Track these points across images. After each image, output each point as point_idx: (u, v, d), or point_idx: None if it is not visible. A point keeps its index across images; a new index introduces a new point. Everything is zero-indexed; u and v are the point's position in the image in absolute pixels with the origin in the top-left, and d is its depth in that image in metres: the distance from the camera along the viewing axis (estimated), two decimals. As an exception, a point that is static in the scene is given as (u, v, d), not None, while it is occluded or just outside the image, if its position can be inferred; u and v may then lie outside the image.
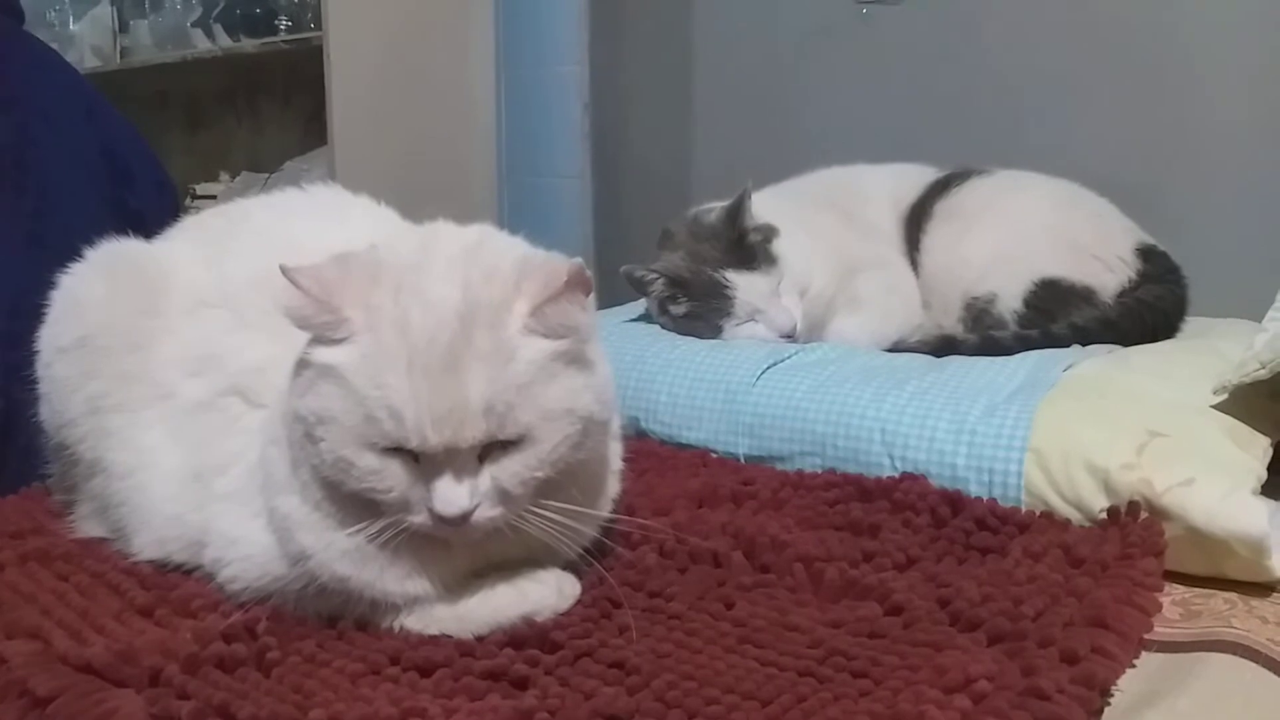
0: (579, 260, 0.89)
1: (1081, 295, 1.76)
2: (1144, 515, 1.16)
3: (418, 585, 0.94)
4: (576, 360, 0.90)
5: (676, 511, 1.24)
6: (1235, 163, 2.05)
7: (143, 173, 2.04)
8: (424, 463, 0.86)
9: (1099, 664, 0.87)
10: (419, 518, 0.88)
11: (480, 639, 0.95)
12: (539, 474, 0.88)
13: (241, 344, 1.07)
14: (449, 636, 0.95)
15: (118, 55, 3.56)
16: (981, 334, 1.74)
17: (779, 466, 1.44)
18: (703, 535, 1.15)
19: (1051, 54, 2.22)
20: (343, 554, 0.92)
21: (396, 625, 0.96)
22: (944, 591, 1.01)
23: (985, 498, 1.26)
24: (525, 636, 0.94)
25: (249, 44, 3.12)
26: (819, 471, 1.37)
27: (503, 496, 0.88)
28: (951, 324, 1.81)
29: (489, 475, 0.87)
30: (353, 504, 0.90)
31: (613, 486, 1.06)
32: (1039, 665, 0.85)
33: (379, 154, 2.81)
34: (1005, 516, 1.19)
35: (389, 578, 0.93)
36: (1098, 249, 1.80)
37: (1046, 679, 0.82)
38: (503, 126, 3.10)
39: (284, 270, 0.88)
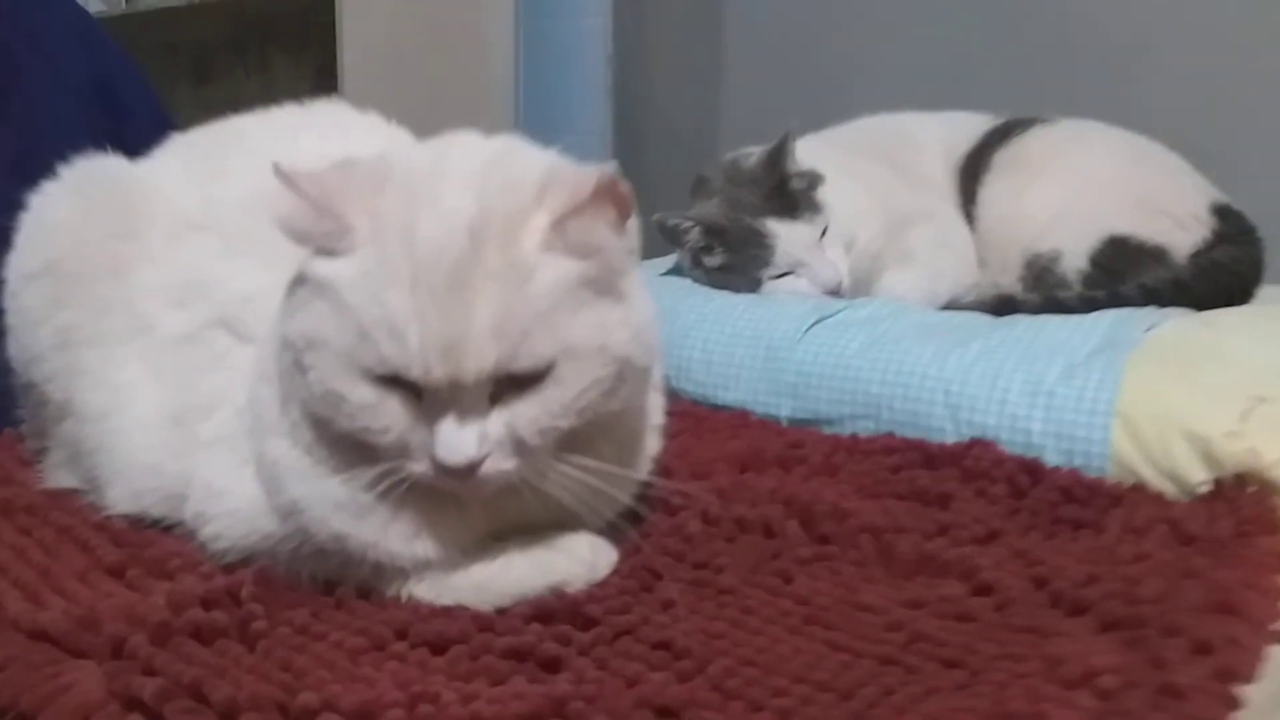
0: (612, 169, 0.75)
1: (1152, 255, 1.62)
2: (1252, 489, 1.01)
3: (427, 547, 0.81)
4: (610, 291, 0.76)
5: (717, 476, 1.11)
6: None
7: (141, 108, 1.89)
8: (427, 401, 0.73)
9: (1233, 656, 0.73)
10: (419, 466, 0.75)
11: (501, 612, 0.82)
12: (561, 423, 0.75)
13: (231, 271, 0.93)
14: (465, 608, 0.82)
15: (124, 0, 3.42)
16: (1044, 294, 1.60)
17: (826, 430, 1.30)
18: (749, 502, 1.02)
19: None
20: (338, 507, 0.79)
21: (404, 594, 0.83)
22: (1038, 570, 0.87)
23: (1065, 467, 1.12)
24: (554, 610, 0.81)
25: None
26: (875, 435, 1.23)
27: (518, 447, 0.75)
28: (1011, 283, 1.66)
29: (501, 420, 0.74)
30: (347, 449, 0.77)
31: (652, 444, 0.92)
32: (1169, 657, 0.71)
33: (391, 109, 2.65)
34: (1093, 487, 1.05)
35: (393, 536, 0.80)
36: (1170, 205, 1.65)
37: (1182, 674, 0.68)
38: (521, 80, 2.94)
39: (279, 172, 0.74)
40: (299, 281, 0.77)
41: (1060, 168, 1.69)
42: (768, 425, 1.33)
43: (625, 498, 0.89)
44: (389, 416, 0.74)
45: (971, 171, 1.76)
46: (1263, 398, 1.09)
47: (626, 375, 0.77)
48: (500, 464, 0.75)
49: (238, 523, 0.85)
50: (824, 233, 1.61)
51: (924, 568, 0.90)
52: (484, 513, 0.82)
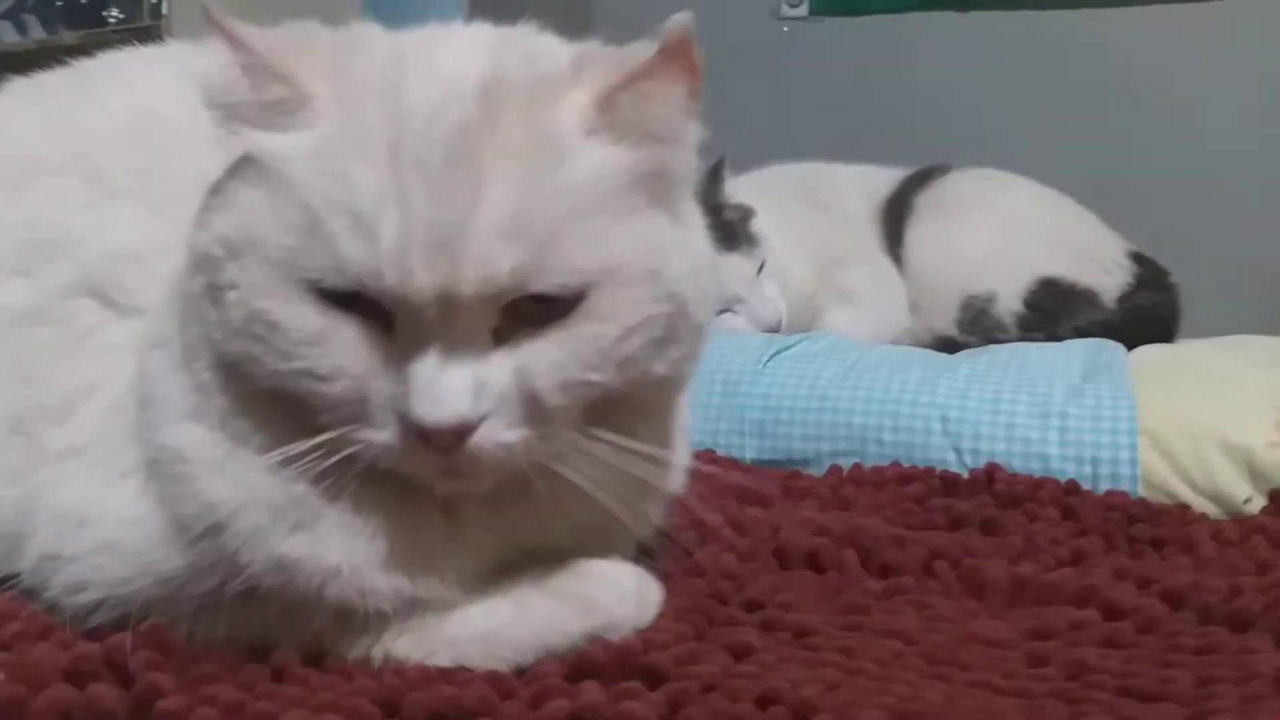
0: (685, 20, 0.53)
1: (1083, 297, 1.60)
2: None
3: (414, 579, 0.56)
4: (667, 201, 0.56)
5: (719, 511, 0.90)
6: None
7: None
8: (401, 333, 0.51)
9: None
10: (381, 434, 0.51)
11: (522, 672, 0.57)
12: (593, 376, 0.52)
13: (101, 222, 0.67)
14: (467, 669, 0.57)
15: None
16: (982, 336, 1.53)
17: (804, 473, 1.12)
18: (773, 536, 0.82)
19: (989, 75, 2.09)
20: (277, 514, 0.54)
21: (377, 654, 0.58)
22: (1159, 588, 0.72)
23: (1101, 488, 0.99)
24: (600, 665, 0.58)
25: (69, 36, 2.64)
26: (880, 466, 1.06)
27: (529, 408, 0.52)
28: (946, 325, 1.58)
29: (508, 364, 0.51)
30: (277, 418, 0.54)
31: (682, 452, 0.71)
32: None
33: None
34: (1151, 507, 0.93)
35: (365, 561, 0.55)
36: (1094, 251, 1.65)
37: None
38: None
39: (211, 19, 0.52)
40: (225, 177, 0.55)
41: (987, 210, 1.66)
42: (743, 465, 1.13)
43: (659, 511, 0.68)
44: (341, 353, 0.51)
45: (895, 214, 1.69)
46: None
47: (679, 327, 0.55)
48: (500, 433, 0.51)
49: (115, 561, 0.58)
50: (761, 268, 1.47)
51: (1023, 595, 0.73)
52: (487, 532, 0.58)
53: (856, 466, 1.06)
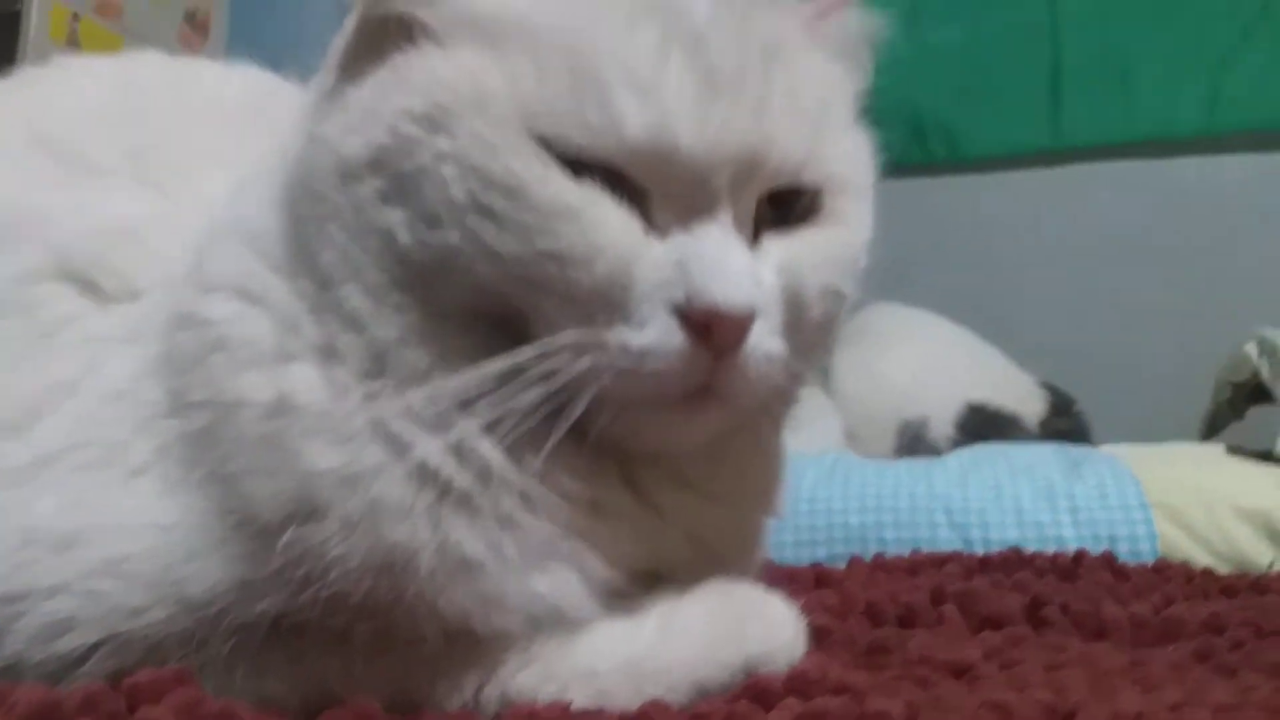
0: None
1: (1009, 422, 1.62)
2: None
3: (563, 583, 0.44)
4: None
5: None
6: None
7: None
8: (665, 209, 0.43)
9: None
10: (644, 334, 0.42)
11: (668, 711, 0.44)
12: (846, 287, 0.48)
13: (83, 200, 0.55)
14: (600, 709, 0.44)
15: None
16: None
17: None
18: (848, 599, 0.72)
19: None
20: (420, 482, 0.43)
21: (493, 694, 0.44)
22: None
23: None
24: (773, 692, 0.45)
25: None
26: (899, 556, 0.98)
27: (792, 313, 0.46)
28: (884, 450, 1.56)
29: (773, 259, 0.45)
30: (474, 341, 0.44)
31: (782, 482, 0.61)
32: None
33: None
34: (1190, 568, 0.88)
35: (513, 558, 0.43)
36: (1011, 379, 1.70)
37: None
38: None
39: None
40: (366, 58, 0.46)
41: (910, 340, 1.70)
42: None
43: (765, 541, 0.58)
44: (601, 228, 0.42)
45: (820, 346, 1.69)
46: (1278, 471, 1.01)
47: (856, 277, 0.50)
48: (767, 340, 0.44)
49: (122, 586, 0.44)
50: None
51: (1146, 632, 0.66)
52: (679, 514, 0.48)
53: (878, 556, 0.97)
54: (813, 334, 0.47)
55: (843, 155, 0.48)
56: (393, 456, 0.43)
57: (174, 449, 0.45)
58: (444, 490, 0.43)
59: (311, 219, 0.45)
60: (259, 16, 2.54)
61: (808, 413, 1.53)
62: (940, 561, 0.93)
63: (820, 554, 1.06)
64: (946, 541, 1.03)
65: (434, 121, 0.43)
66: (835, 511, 1.08)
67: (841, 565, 1.02)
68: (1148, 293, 1.99)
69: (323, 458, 0.42)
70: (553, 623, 0.45)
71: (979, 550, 1.01)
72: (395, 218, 0.43)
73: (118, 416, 0.47)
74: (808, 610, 0.65)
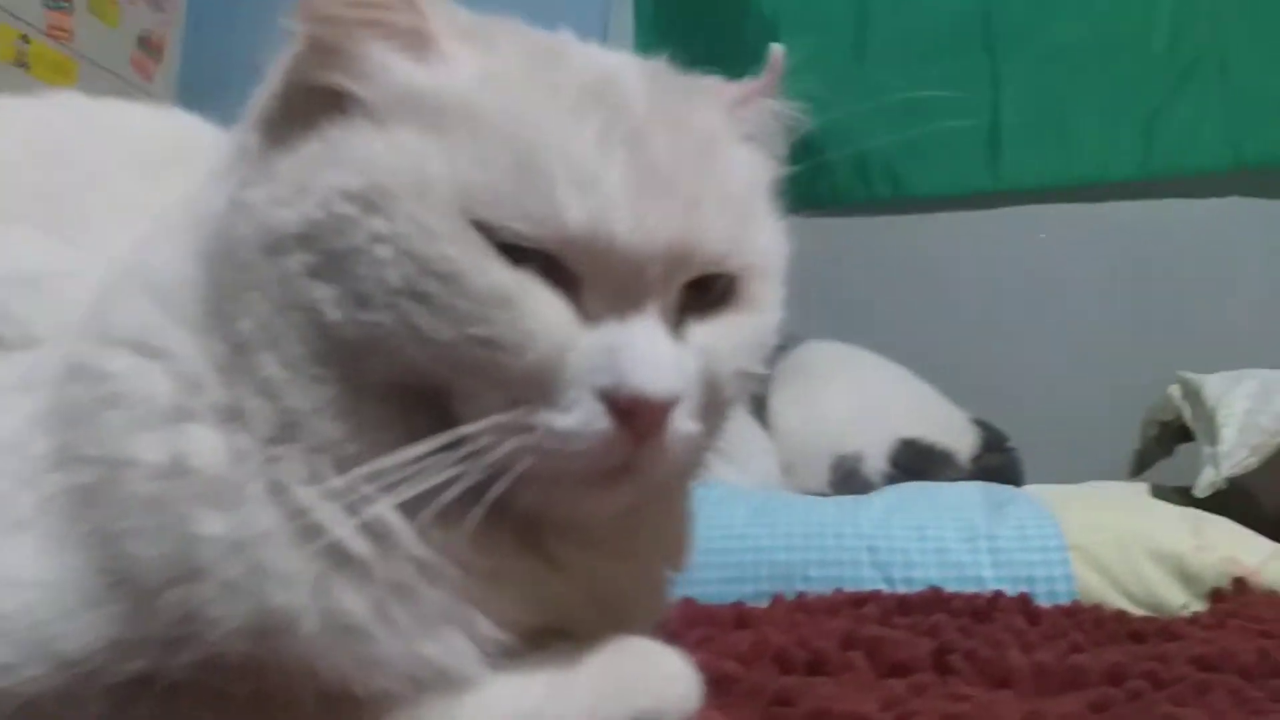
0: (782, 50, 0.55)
1: (942, 457, 1.64)
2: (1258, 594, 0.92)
3: (449, 644, 0.44)
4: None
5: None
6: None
7: None
8: (596, 298, 0.44)
9: None
10: (569, 417, 0.43)
11: None
12: (755, 368, 0.49)
13: None
14: None
15: None
16: (855, 495, 1.52)
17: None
18: (759, 644, 0.72)
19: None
20: (304, 548, 0.42)
21: None
22: (1190, 655, 0.67)
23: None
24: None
25: None
26: (821, 595, 0.98)
27: (707, 396, 0.47)
28: (820, 485, 1.57)
29: (697, 343, 0.46)
30: (391, 417, 0.44)
31: (688, 539, 0.62)
32: None
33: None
34: (1108, 610, 0.89)
35: (400, 620, 0.43)
36: (944, 414, 1.72)
37: None
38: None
39: None
40: (296, 132, 0.46)
41: (846, 376, 1.72)
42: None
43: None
44: (535, 316, 0.42)
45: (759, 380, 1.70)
46: (1200, 515, 1.04)
47: (766, 358, 0.51)
48: (686, 422, 0.45)
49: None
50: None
51: (1052, 681, 0.67)
52: (580, 577, 0.48)
53: (801, 595, 0.98)
54: (724, 412, 0.49)
55: (763, 245, 0.49)
56: (285, 522, 0.42)
57: (58, 504, 0.44)
58: (337, 557, 0.42)
59: (231, 284, 0.45)
60: (214, 40, 2.51)
61: (745, 447, 1.54)
62: (860, 601, 0.94)
63: (746, 590, 1.07)
64: (869, 580, 1.04)
65: (370, 203, 0.42)
66: (763, 549, 1.08)
67: (765, 603, 1.03)
68: (1081, 333, 2.04)
69: (210, 523, 0.42)
70: (438, 684, 0.44)
71: (901, 589, 1.03)
72: (323, 293, 0.43)
73: (3, 468, 0.45)
74: (719, 656, 0.66)
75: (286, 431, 0.43)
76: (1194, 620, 0.83)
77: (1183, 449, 1.54)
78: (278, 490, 0.42)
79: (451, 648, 0.44)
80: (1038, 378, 2.00)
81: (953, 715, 0.56)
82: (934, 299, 2.12)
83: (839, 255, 2.06)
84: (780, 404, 1.66)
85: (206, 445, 0.43)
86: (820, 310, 2.14)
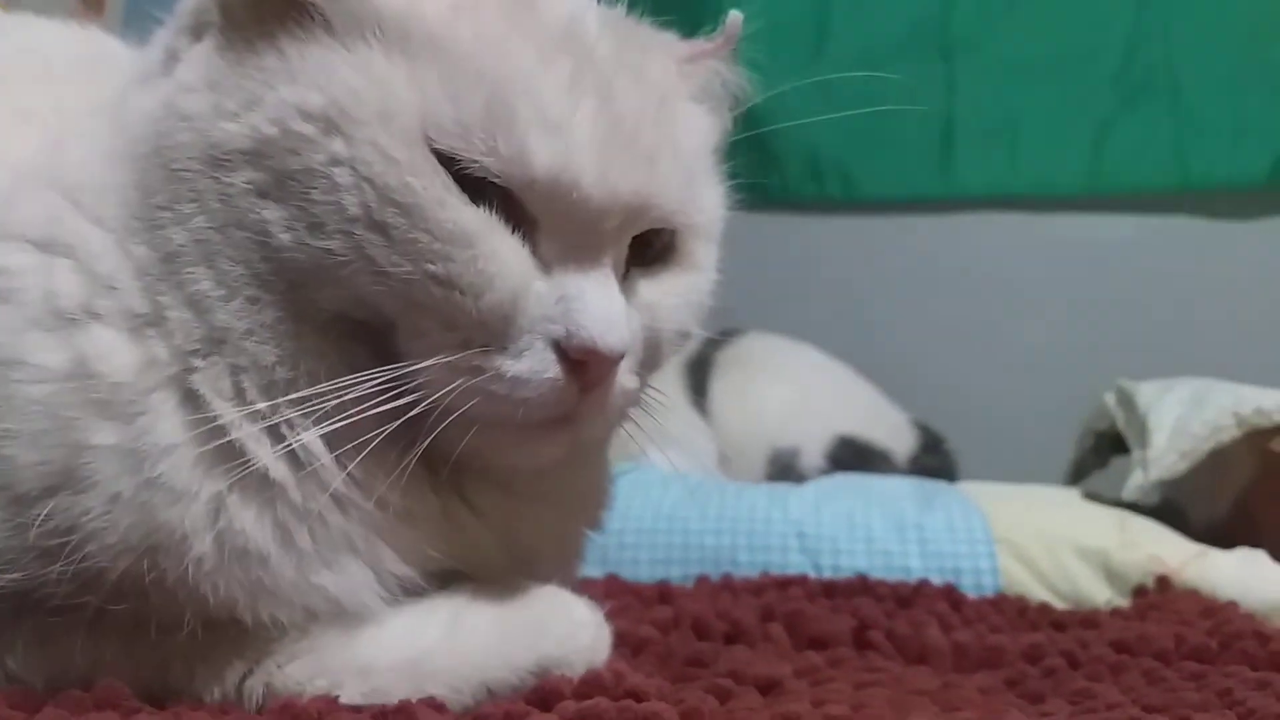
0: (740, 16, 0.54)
1: (880, 456, 1.63)
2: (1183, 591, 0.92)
3: (344, 574, 0.42)
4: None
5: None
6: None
7: None
8: (550, 245, 0.43)
9: None
10: (520, 362, 0.42)
11: (451, 710, 0.42)
12: (692, 326, 0.50)
13: None
14: (380, 705, 0.41)
15: None
16: (792, 489, 1.51)
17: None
18: (678, 614, 0.71)
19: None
20: (207, 469, 0.41)
21: (255, 686, 0.41)
22: (1109, 639, 0.67)
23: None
24: (558, 696, 0.43)
25: None
26: (749, 578, 0.97)
27: (648, 352, 0.48)
28: (756, 478, 1.56)
29: (643, 300, 0.47)
30: (328, 349, 0.43)
31: (606, 498, 0.60)
32: None
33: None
34: (1030, 603, 0.89)
35: (298, 547, 0.42)
36: (883, 415, 1.72)
37: None
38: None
39: None
40: (257, 43, 0.43)
41: (788, 370, 1.71)
42: (596, 581, 1.00)
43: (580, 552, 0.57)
44: (494, 259, 0.42)
45: (699, 369, 1.69)
46: (1126, 514, 1.05)
47: (702, 318, 0.51)
48: (627, 379, 0.46)
49: None
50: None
51: (968, 658, 0.66)
52: (491, 520, 0.48)
53: (727, 576, 0.96)
54: (656, 369, 0.49)
55: (708, 205, 0.49)
56: (188, 434, 0.40)
57: None
58: (244, 477, 0.41)
59: (162, 192, 0.43)
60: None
61: (683, 434, 1.53)
62: (785, 584, 0.92)
63: (674, 573, 1.05)
64: (797, 566, 1.02)
65: (330, 123, 0.40)
66: (692, 532, 1.07)
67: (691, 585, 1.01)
68: (1023, 340, 2.05)
69: (103, 432, 0.40)
70: (331, 616, 0.42)
71: (827, 575, 1.02)
72: (272, 215, 0.41)
73: None
74: (636, 622, 0.64)
75: (211, 347, 0.41)
76: (1115, 612, 0.83)
77: (1116, 462, 1.56)
78: (190, 401, 0.40)
79: (351, 579, 0.42)
80: (978, 383, 2.01)
81: (867, 684, 0.55)
82: (880, 300, 2.13)
83: (789, 252, 2.07)
84: (720, 394, 1.65)
85: (109, 349, 0.41)
86: (766, 306, 2.14)
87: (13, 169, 0.47)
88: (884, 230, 2.21)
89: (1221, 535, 1.05)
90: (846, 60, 2.21)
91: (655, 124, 0.45)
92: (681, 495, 1.12)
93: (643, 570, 1.06)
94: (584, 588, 0.55)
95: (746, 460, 1.59)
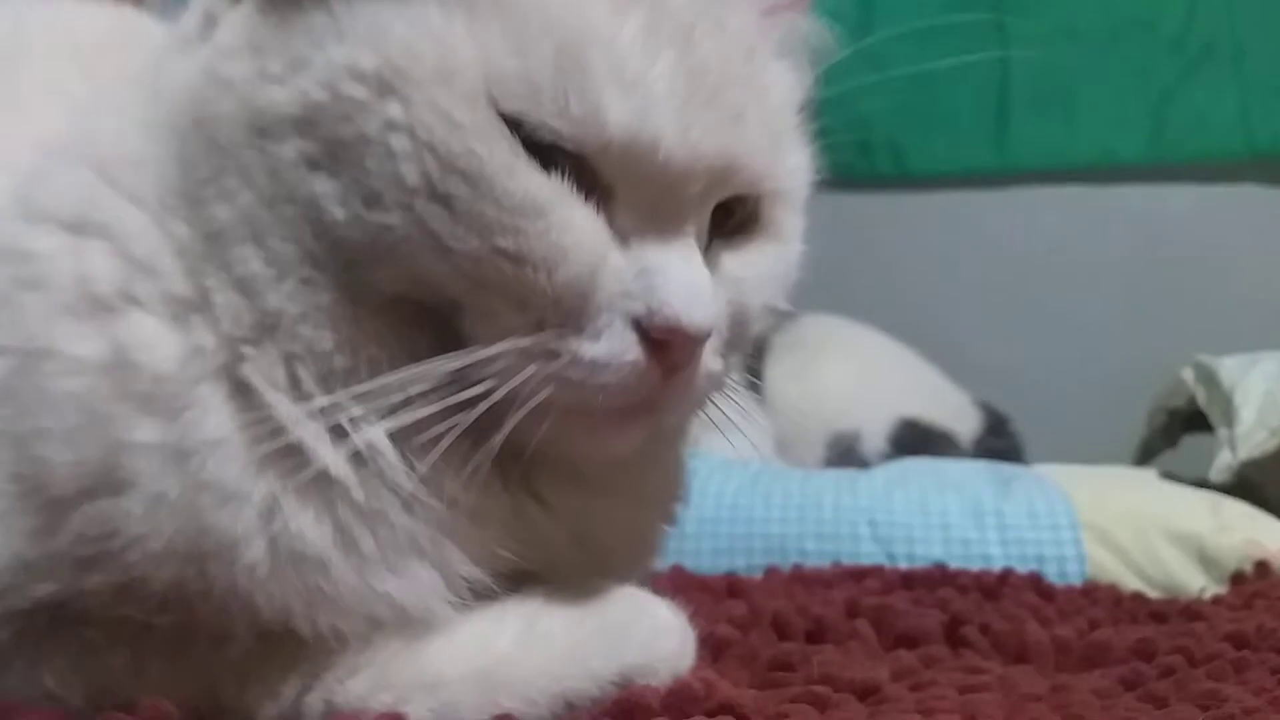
0: None
1: (943, 439, 1.58)
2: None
3: (413, 581, 0.39)
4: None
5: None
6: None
7: None
8: (626, 215, 0.40)
9: None
10: (599, 345, 0.38)
11: None
12: (779, 301, 0.46)
13: None
14: None
15: None
16: (854, 476, 1.46)
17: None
18: (756, 611, 0.66)
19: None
20: (261, 464, 0.38)
21: (315, 703, 0.38)
22: (1222, 632, 0.62)
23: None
24: (641, 713, 0.39)
25: None
26: (820, 568, 0.92)
27: (733, 329, 0.43)
28: (815, 462, 1.51)
29: (728, 274, 0.43)
30: (385, 334, 0.40)
31: (682, 490, 0.57)
32: None
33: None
34: (1113, 595, 0.84)
35: (361, 551, 0.39)
36: (946, 396, 1.66)
37: None
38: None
39: None
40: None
41: (845, 352, 1.66)
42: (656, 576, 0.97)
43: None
44: (568, 230, 0.38)
45: (754, 353, 1.64)
46: (1217, 498, 0.99)
47: (788, 292, 0.48)
48: (712, 361, 0.42)
49: None
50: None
51: (1070, 656, 0.61)
52: (565, 517, 0.44)
53: (797, 567, 0.92)
54: (743, 349, 0.46)
55: (794, 169, 0.45)
56: (239, 432, 0.37)
57: None
58: (301, 476, 0.37)
59: (205, 165, 0.39)
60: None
61: (739, 419, 1.49)
62: (860, 575, 0.88)
63: (739, 563, 1.01)
64: (869, 555, 0.98)
65: (385, 84, 0.37)
66: (756, 520, 1.03)
67: (759, 576, 0.97)
68: (1087, 316, 1.98)
69: (144, 428, 0.36)
70: (396, 625, 0.39)
71: (902, 565, 0.97)
72: (324, 188, 0.37)
73: None
74: (710, 621, 0.60)
75: (263, 333, 0.38)
76: (1218, 601, 0.78)
77: (1187, 441, 1.49)
78: (240, 393, 0.37)
79: (417, 584, 0.39)
80: (1041, 361, 1.94)
81: (971, 688, 0.50)
82: (936, 278, 2.06)
83: (841, 232, 2.01)
84: (777, 378, 1.60)
85: (152, 338, 0.37)
86: (821, 287, 2.09)
87: (42, 145, 0.44)
88: (937, 206, 2.15)
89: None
90: (895, 27, 2.15)
91: (740, 78, 0.41)
92: (744, 482, 1.08)
93: (705, 561, 1.02)
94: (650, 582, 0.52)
95: (805, 444, 1.54)
